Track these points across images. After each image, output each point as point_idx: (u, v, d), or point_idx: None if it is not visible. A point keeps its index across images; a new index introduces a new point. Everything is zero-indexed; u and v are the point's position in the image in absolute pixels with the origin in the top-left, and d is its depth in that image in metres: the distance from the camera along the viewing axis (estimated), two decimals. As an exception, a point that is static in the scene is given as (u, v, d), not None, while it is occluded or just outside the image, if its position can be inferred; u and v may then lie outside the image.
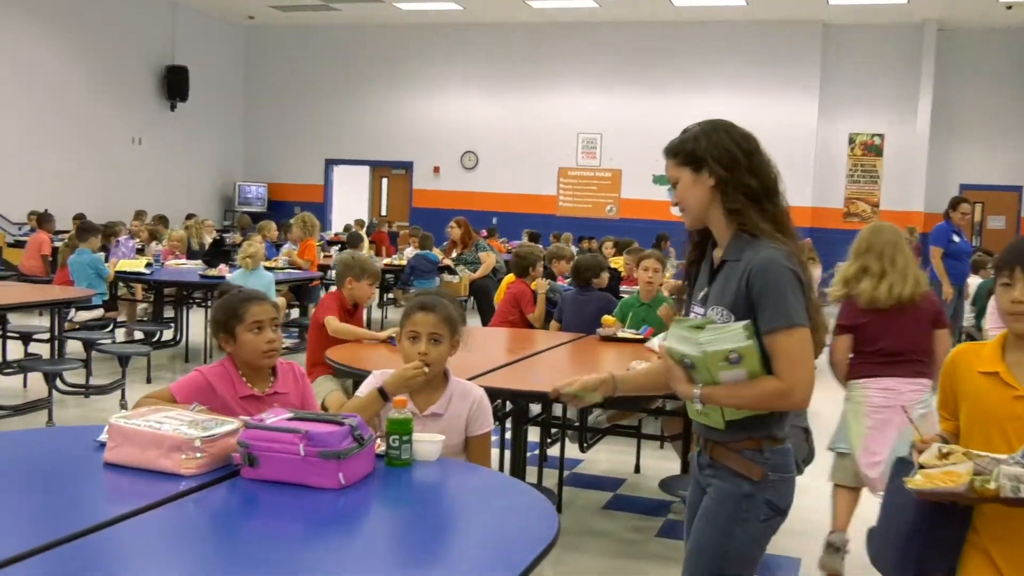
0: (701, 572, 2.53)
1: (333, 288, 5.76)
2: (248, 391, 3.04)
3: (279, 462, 2.41)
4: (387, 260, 11.65)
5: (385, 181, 20.83)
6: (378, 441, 2.66)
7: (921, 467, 2.19)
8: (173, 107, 18.50)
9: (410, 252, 11.90)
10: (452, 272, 11.46)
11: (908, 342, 4.26)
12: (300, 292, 9.50)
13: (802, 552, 4.53)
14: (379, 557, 2.14)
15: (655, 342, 5.18)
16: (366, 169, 20.85)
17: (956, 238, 9.17)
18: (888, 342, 4.25)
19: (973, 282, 10.12)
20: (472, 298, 11.41)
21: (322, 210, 19.70)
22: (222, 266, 8.50)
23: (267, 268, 8.82)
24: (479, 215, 17.76)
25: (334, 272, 5.53)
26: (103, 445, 2.65)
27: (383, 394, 2.97)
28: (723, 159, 2.47)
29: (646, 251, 6.67)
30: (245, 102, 20.88)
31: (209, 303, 8.96)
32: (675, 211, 2.68)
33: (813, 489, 4.35)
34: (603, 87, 18.81)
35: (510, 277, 7.76)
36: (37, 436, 3.04)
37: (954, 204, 9.23)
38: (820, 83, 17.89)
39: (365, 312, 5.57)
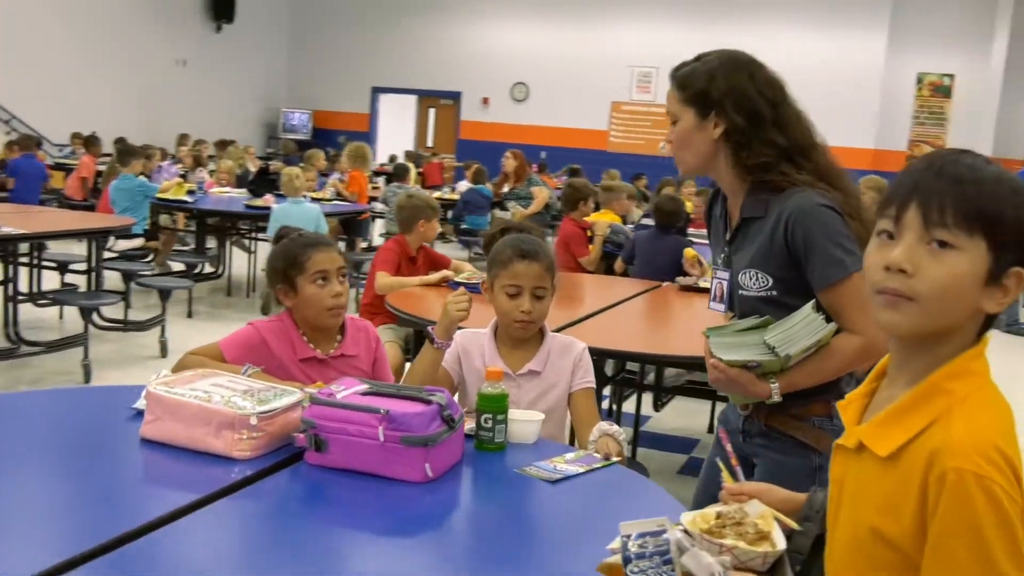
0: None
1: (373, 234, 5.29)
2: (309, 352, 2.61)
3: (353, 447, 1.98)
4: (438, 194, 11.16)
5: (432, 111, 20.25)
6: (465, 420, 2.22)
7: None
8: (219, 28, 17.99)
9: (463, 186, 11.42)
10: (503, 208, 10.97)
11: None
12: (349, 225, 9.06)
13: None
14: (477, 569, 1.70)
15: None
16: (413, 99, 20.29)
17: None
18: None
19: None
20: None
21: (368, 139, 19.10)
22: (268, 196, 8.06)
23: (314, 199, 8.39)
24: (528, 149, 17.04)
25: (395, 216, 5.06)
26: (140, 413, 2.25)
27: (430, 339, 2.50)
28: (743, 108, 2.05)
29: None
30: (292, 26, 20.30)
31: (255, 235, 8.57)
32: (663, 149, 2.24)
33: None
34: (659, 18, 18.02)
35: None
36: (66, 399, 2.61)
37: None
38: (890, 18, 17.00)
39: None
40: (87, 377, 5.52)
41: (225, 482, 1.91)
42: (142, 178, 7.97)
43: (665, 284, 5.18)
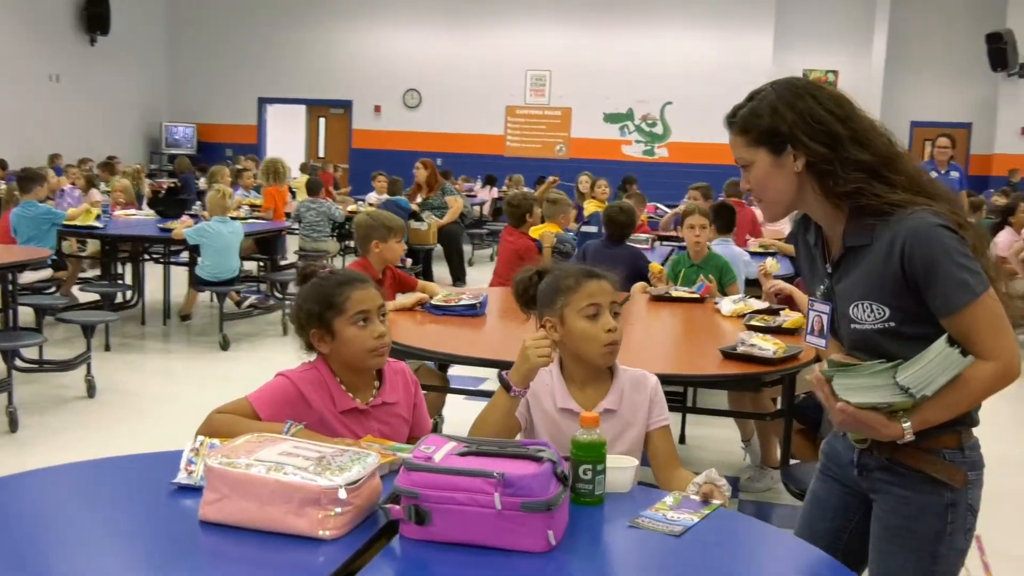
0: None
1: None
2: (350, 403, 2.34)
3: (462, 518, 1.72)
4: (352, 207, 10.79)
5: (323, 121, 19.72)
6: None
7: None
8: (93, 41, 17.08)
9: (373, 196, 11.08)
10: (418, 219, 10.69)
11: None
12: (264, 243, 8.65)
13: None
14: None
15: (726, 304, 4.59)
16: (302, 108, 19.70)
17: (934, 173, 8.81)
18: None
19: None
20: (440, 246, 10.71)
21: (256, 152, 18.52)
22: (185, 217, 7.60)
23: (232, 218, 7.96)
24: (423, 156, 16.88)
25: (354, 237, 4.77)
26: (183, 489, 1.95)
27: (506, 386, 2.26)
28: (819, 135, 1.90)
29: (691, 205, 6.00)
30: (170, 37, 19.45)
31: (171, 258, 8.07)
32: (749, 199, 2.09)
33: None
34: (551, 21, 17.99)
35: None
36: (66, 480, 2.20)
37: (932, 139, 8.94)
38: (775, 17, 17.40)
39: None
40: (13, 425, 5.04)
41: (319, 569, 1.64)
42: (47, 204, 7.41)
43: (623, 295, 5.04)
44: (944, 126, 17.49)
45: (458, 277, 10.91)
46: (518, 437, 2.36)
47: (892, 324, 1.91)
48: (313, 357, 2.43)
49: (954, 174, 9.33)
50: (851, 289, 1.97)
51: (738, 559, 1.87)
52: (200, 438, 2.08)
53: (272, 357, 7.05)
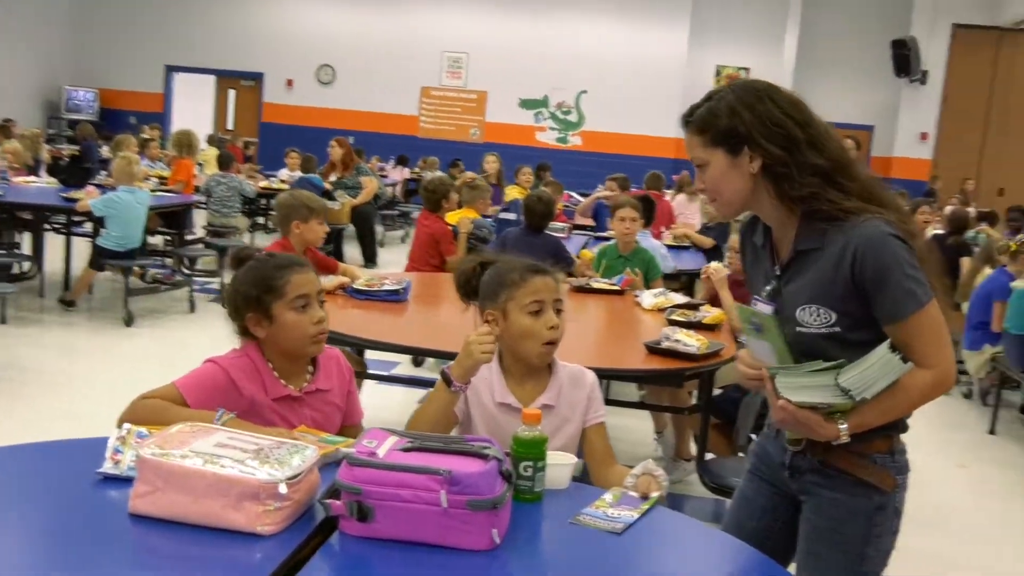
0: None
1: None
2: (283, 391, 2.29)
3: (407, 515, 1.69)
4: (264, 183, 10.56)
5: (233, 93, 19.25)
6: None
7: None
8: (-10, -3, 16.37)
9: (285, 173, 10.86)
10: (331, 198, 10.52)
11: None
12: (171, 218, 8.40)
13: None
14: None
15: (646, 298, 4.63)
16: (211, 79, 19.19)
17: None
18: None
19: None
20: (353, 226, 10.57)
21: (161, 121, 17.99)
22: (91, 187, 7.31)
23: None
24: (336, 133, 16.62)
25: (275, 216, 4.65)
26: (108, 479, 1.87)
27: (447, 380, 2.24)
28: (777, 137, 1.92)
29: (621, 198, 6.01)
30: (73, -5, 18.76)
31: (75, 228, 7.76)
32: (702, 198, 2.14)
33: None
34: (471, 4, 17.91)
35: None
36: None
37: None
38: (691, 13, 17.63)
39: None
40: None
41: (257, 565, 1.59)
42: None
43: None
44: (849, 127, 18.00)
45: (370, 258, 10.79)
46: (454, 432, 2.34)
47: (838, 329, 1.93)
48: (240, 344, 2.36)
49: None
50: (799, 292, 1.98)
51: (674, 556, 1.89)
52: (127, 426, 1.99)
53: (178, 335, 6.86)
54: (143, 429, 2.00)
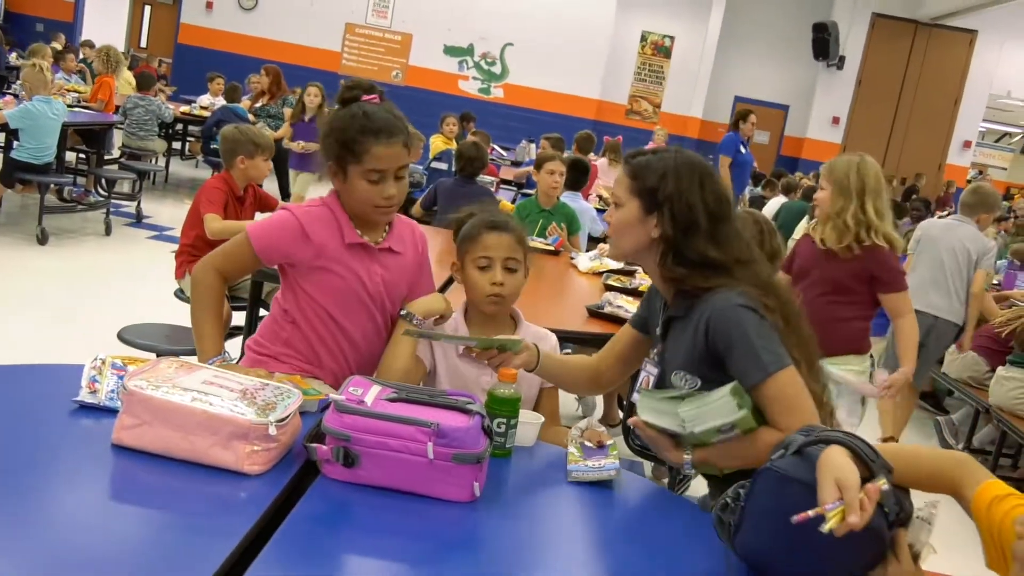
0: None
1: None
2: (357, 238, 2.34)
3: (393, 464, 1.74)
4: (185, 108, 10.26)
5: (148, 9, 18.56)
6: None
7: None
8: None
9: (206, 100, 10.57)
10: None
11: None
12: (90, 136, 8.12)
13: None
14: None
15: (583, 260, 4.71)
16: (127, -8, 18.50)
17: (743, 149, 9.16)
18: None
19: (776, 203, 10.31)
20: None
21: (70, 31, 17.26)
22: (8, 97, 7.02)
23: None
24: (254, 62, 16.21)
25: (219, 148, 4.54)
26: (84, 408, 1.87)
27: (408, 318, 2.39)
28: (682, 218, 2.02)
29: (549, 152, 6.03)
30: None
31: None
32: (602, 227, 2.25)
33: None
34: (402, -58, 17.58)
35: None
36: None
37: (744, 115, 9.14)
38: (622, -25, 17.67)
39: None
40: None
41: (242, 504, 1.61)
42: None
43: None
44: (765, 105, 18.40)
45: (286, 193, 10.61)
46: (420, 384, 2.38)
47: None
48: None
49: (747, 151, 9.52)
50: (672, 358, 2.09)
51: (628, 509, 1.97)
52: (101, 355, 1.98)
53: (91, 257, 6.69)
54: (118, 360, 1.99)
